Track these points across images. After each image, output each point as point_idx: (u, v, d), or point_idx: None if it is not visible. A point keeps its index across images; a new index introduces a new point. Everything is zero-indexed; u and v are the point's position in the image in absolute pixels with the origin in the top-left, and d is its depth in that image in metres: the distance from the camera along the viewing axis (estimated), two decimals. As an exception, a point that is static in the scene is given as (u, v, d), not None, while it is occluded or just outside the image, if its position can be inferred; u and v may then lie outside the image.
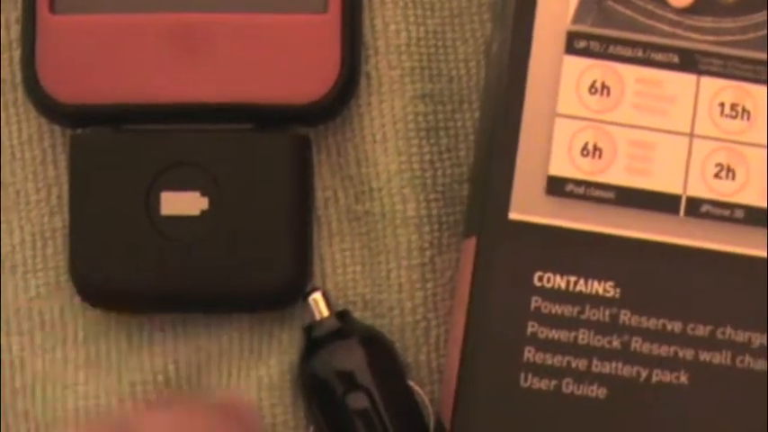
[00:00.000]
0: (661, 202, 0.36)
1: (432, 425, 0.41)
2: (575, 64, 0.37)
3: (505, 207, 0.36)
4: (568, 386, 0.36)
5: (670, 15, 0.37)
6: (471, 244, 0.38)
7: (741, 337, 0.36)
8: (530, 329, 0.36)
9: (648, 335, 0.36)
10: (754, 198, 0.36)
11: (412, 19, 0.42)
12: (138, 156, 0.40)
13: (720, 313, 0.36)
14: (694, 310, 0.36)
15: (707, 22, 0.37)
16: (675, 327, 0.36)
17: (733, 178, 0.37)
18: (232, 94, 0.40)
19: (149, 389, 0.42)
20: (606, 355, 0.36)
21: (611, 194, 0.36)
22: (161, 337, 0.42)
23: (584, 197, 0.36)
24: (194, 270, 0.40)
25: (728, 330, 0.36)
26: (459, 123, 0.42)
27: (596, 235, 0.36)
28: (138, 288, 0.40)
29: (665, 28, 0.37)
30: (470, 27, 0.42)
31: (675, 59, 0.37)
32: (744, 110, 0.37)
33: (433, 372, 0.42)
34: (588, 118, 0.37)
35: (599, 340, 0.36)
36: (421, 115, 0.42)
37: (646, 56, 0.37)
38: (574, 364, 0.36)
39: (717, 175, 0.37)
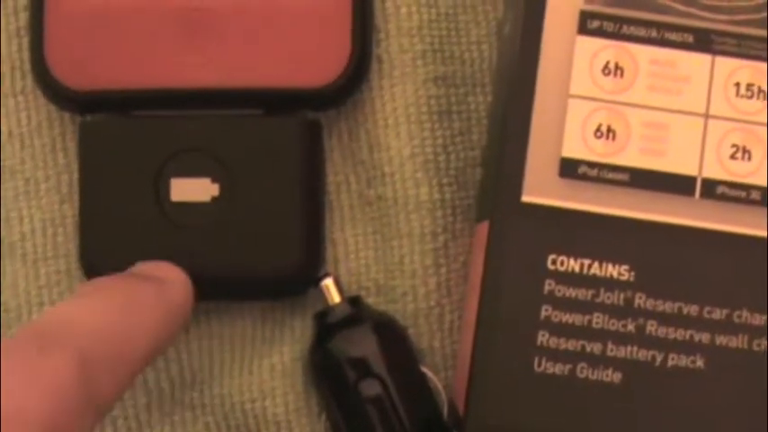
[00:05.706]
0: (676, 184, 0.36)
1: (445, 411, 0.40)
2: (588, 44, 0.36)
3: (518, 190, 0.36)
4: (583, 371, 0.36)
5: (684, -6, 0.36)
6: (484, 228, 0.37)
7: (758, 320, 0.36)
8: (543, 313, 0.36)
9: (664, 318, 0.36)
10: (770, 179, 0.36)
11: (423, 1, 0.41)
12: (148, 142, 0.40)
13: (737, 296, 0.36)
14: (710, 293, 0.36)
15: (721, 0, 0.36)
16: (691, 310, 0.36)
17: (749, 159, 0.36)
18: (242, 79, 0.40)
19: (162, 377, 0.41)
20: (621, 338, 0.36)
21: (625, 176, 0.36)
22: (173, 325, 0.42)
23: (597, 179, 0.36)
24: (205, 257, 0.40)
25: (745, 313, 0.36)
26: (472, 106, 0.42)
27: (610, 217, 0.36)
28: (148, 275, 0.40)
29: (680, 7, 0.36)
30: (483, 9, 0.42)
31: (690, 39, 0.36)
32: (759, 89, 0.36)
33: (446, 358, 0.41)
34: (602, 99, 0.36)
35: (614, 324, 0.36)
36: (433, 98, 0.41)
37: (660, 36, 0.36)
38: (588, 349, 0.36)
39: (732, 156, 0.36)
